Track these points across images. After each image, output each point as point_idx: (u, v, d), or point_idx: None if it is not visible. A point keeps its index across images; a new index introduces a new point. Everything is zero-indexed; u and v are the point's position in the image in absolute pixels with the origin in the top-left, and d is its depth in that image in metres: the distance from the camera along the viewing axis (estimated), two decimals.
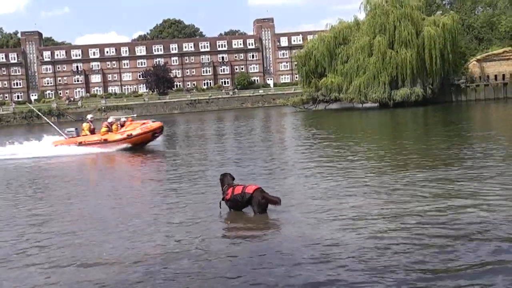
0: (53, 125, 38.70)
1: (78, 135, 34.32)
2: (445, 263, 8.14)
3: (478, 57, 79.16)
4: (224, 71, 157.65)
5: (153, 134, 33.25)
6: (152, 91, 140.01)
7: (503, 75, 78.22)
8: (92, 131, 34.09)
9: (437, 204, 11.91)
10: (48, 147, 32.75)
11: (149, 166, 25.28)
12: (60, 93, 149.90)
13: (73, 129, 35.70)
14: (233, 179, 13.09)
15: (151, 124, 33.34)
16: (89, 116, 36.91)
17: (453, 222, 10.33)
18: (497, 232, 9.45)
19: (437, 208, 11.50)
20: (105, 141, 32.56)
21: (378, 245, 9.27)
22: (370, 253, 8.86)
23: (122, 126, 34.03)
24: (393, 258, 8.57)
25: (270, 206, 12.23)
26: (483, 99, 75.76)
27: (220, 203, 12.66)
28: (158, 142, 34.41)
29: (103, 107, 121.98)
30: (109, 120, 34.92)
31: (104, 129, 33.47)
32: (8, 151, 32.47)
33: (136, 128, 33.01)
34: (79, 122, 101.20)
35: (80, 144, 32.63)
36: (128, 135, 32.50)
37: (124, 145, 32.15)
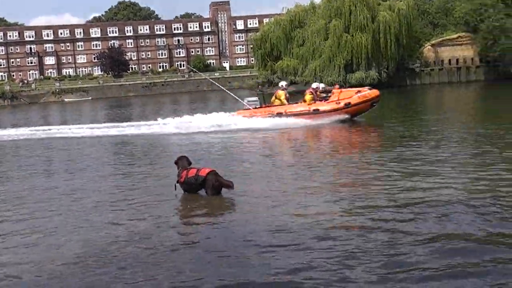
0: (232, 94, 33.88)
1: (260, 106, 29.85)
2: (402, 260, 7.79)
3: (433, 42, 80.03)
4: (179, 54, 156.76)
5: (372, 103, 29.18)
6: (107, 74, 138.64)
7: (457, 60, 79.38)
8: (287, 100, 29.58)
9: (396, 193, 11.63)
10: (237, 119, 28.47)
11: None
12: (13, 75, 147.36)
13: (255, 98, 31.13)
14: (190, 163, 12.99)
15: (369, 92, 29.28)
16: (283, 83, 31.16)
17: (411, 215, 10.03)
18: (455, 229, 9.06)
19: (396, 198, 11.24)
20: (316, 111, 28.20)
21: (334, 230, 9.16)
22: (328, 240, 8.72)
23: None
24: (349, 247, 8.40)
25: (224, 190, 12.18)
26: (437, 83, 76.78)
27: (175, 186, 12.56)
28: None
29: (57, 90, 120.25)
30: (314, 85, 30.37)
31: (308, 96, 28.97)
32: (202, 123, 28.05)
33: (353, 96, 28.71)
34: (32, 105, 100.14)
35: (279, 115, 28.23)
36: (346, 104, 28.16)
37: (341, 116, 27.88)
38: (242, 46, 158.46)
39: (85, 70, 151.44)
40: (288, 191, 12.46)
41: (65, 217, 11.11)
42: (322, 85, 31.43)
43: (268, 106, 29.60)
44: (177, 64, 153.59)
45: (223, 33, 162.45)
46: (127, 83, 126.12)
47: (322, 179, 13.69)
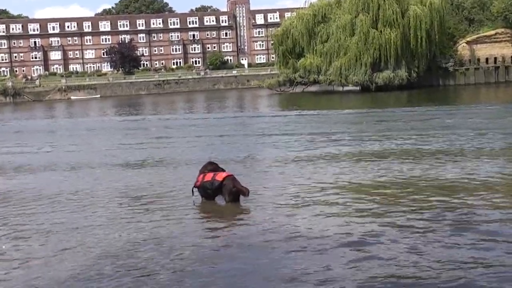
0: None
1: None
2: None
3: (468, 39, 79.59)
4: (195, 50, 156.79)
5: None
6: (117, 70, 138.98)
7: (495, 58, 78.86)
8: None
9: (404, 196, 12.26)
10: None
11: None
12: (16, 71, 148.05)
13: None
14: (215, 170, 12.82)
15: None
16: None
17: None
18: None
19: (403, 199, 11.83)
20: None
21: (349, 236, 9.43)
22: (342, 246, 8.97)
23: None
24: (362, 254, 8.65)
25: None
26: (473, 83, 76.24)
27: (192, 190, 12.59)
28: None
29: (63, 87, 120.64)
30: None
31: None
32: None
33: None
34: (37, 103, 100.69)
35: None
36: None
37: None
38: (262, 42, 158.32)
39: (93, 66, 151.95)
40: (305, 197, 12.58)
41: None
42: None
43: None
44: (192, 61, 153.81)
45: (242, 28, 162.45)
46: (138, 80, 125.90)
47: (345, 183, 13.91)
